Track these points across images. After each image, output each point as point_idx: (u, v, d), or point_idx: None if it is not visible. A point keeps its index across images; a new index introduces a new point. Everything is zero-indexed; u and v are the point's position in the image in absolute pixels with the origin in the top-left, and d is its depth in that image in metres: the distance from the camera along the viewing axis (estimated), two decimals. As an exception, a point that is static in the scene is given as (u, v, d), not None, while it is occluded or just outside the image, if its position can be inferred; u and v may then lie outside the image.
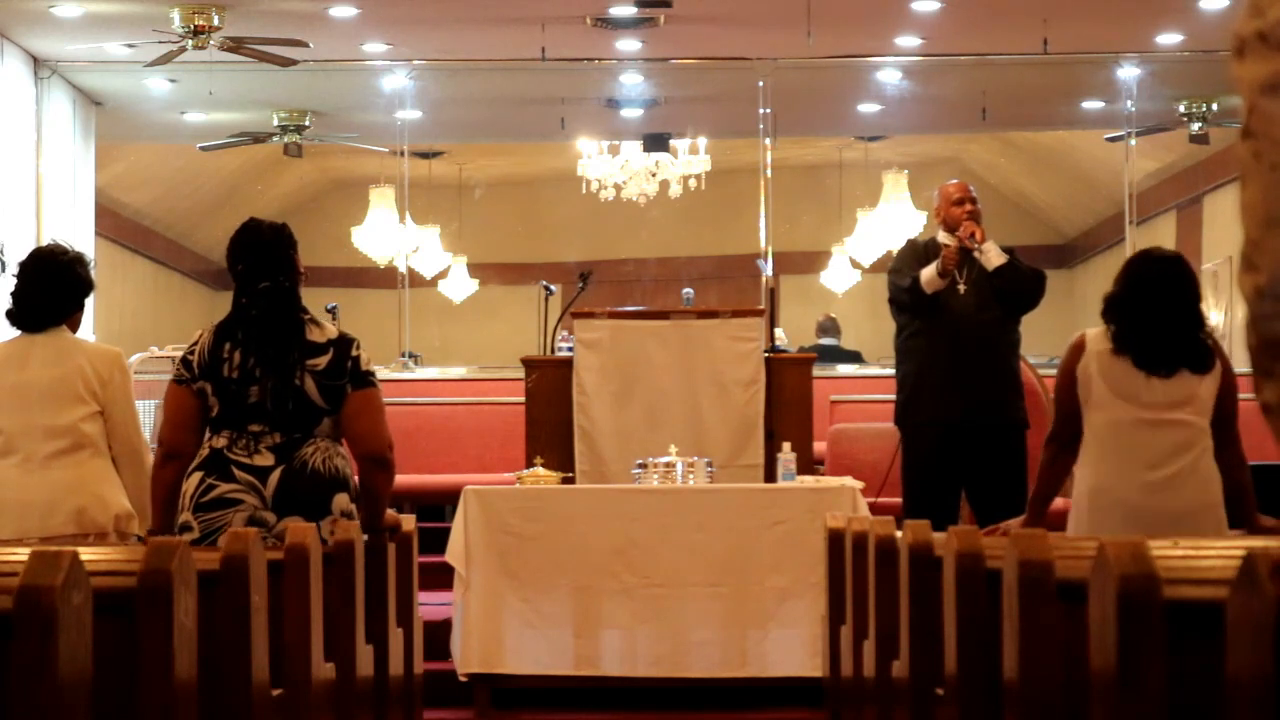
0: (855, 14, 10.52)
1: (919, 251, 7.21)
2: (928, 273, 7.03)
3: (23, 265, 5.16)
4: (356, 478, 4.65)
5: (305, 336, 4.55)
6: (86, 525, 4.92)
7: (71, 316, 5.13)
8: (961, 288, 7.05)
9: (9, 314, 5.12)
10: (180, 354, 4.66)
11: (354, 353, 4.58)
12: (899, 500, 7.16)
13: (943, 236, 7.17)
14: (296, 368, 4.50)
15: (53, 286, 5.07)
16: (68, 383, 4.97)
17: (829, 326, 13.06)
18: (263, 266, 4.58)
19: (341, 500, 4.50)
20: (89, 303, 5.34)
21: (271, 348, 4.51)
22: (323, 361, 4.53)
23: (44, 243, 5.46)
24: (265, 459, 4.46)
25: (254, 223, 4.68)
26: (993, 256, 7.04)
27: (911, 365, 7.15)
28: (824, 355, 11.92)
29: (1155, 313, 4.83)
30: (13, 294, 5.11)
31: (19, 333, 5.11)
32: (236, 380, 4.49)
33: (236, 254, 4.62)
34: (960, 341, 7.00)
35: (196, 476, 4.47)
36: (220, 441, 4.49)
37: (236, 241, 4.64)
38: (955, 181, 7.38)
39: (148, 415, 9.97)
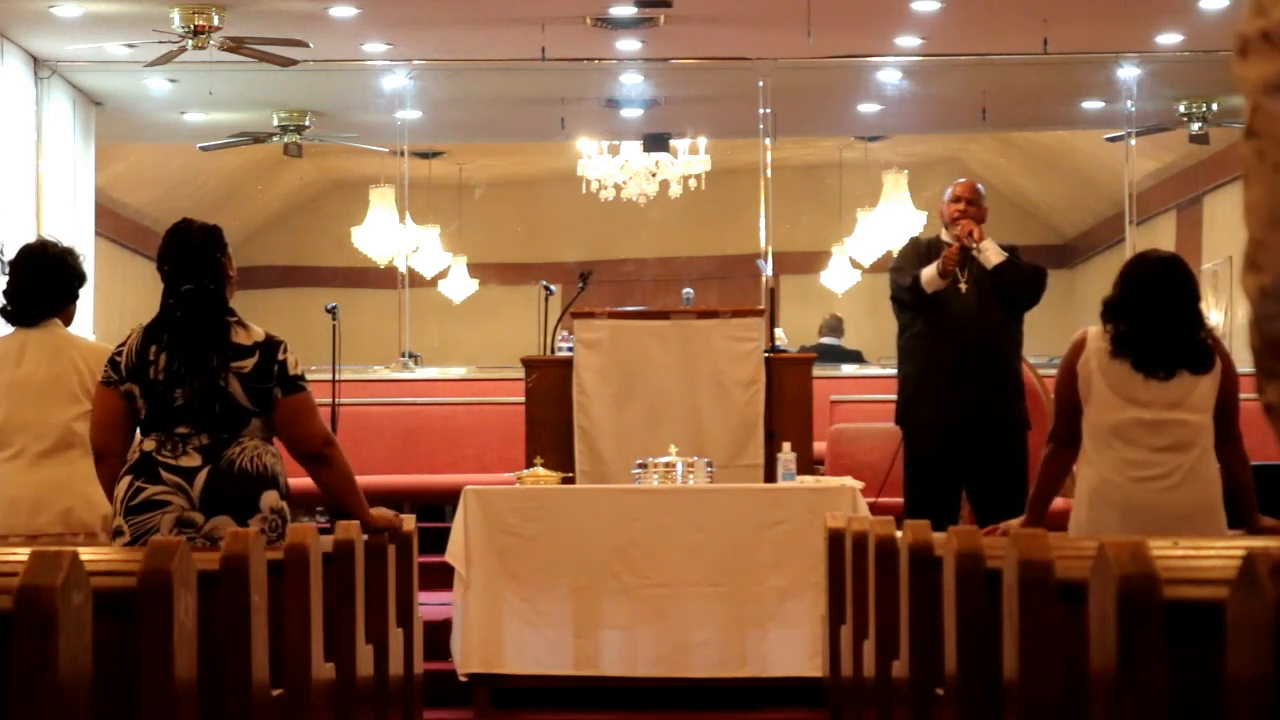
0: (855, 14, 10.52)
1: (921, 250, 7.21)
2: (928, 272, 7.02)
3: (13, 262, 5.17)
4: (307, 479, 4.64)
5: (230, 338, 4.52)
6: (74, 525, 4.91)
7: (65, 309, 5.13)
8: (963, 287, 7.04)
9: (3, 310, 5.12)
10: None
11: (280, 356, 4.54)
12: (899, 500, 7.16)
13: (945, 234, 7.17)
14: (221, 370, 4.48)
15: (44, 279, 5.07)
16: (62, 381, 4.96)
17: (834, 326, 13.05)
18: (188, 268, 4.56)
19: (270, 498, 4.48)
20: (88, 301, 5.35)
21: (195, 350, 4.49)
22: (249, 364, 4.51)
23: (29, 242, 5.45)
24: (192, 460, 4.44)
25: (184, 223, 4.67)
26: (991, 255, 7.04)
27: (912, 365, 7.16)
28: (824, 354, 11.92)
29: (1154, 315, 4.83)
30: (4, 291, 5.11)
31: (8, 330, 5.12)
32: (162, 383, 4.48)
33: (164, 254, 4.62)
34: (962, 342, 7.00)
35: (126, 480, 4.47)
36: (149, 444, 4.48)
37: (166, 242, 4.63)
38: (964, 180, 7.37)
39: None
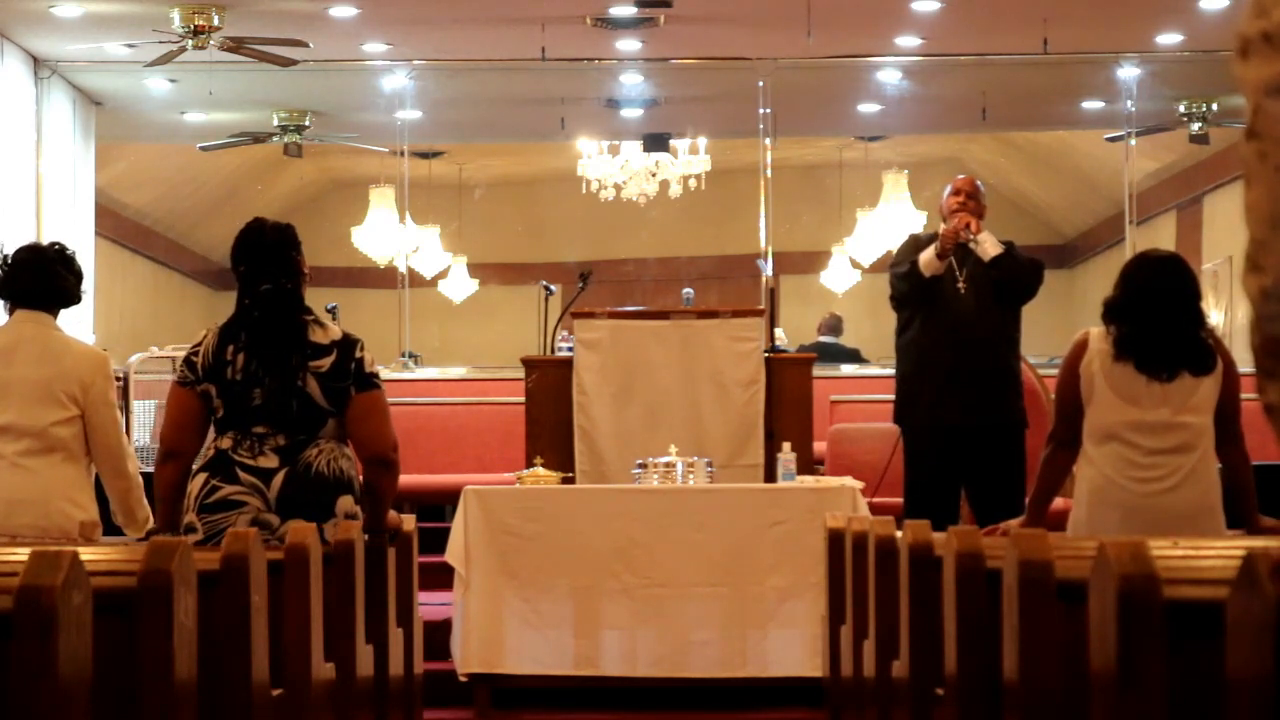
0: (855, 14, 10.52)
1: (921, 245, 7.19)
2: (926, 255, 7.01)
3: (13, 256, 5.16)
4: (361, 478, 4.65)
5: (308, 338, 4.54)
6: (50, 529, 4.88)
7: (64, 300, 5.11)
8: (961, 287, 7.03)
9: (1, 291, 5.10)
10: (182, 354, 4.67)
11: (358, 354, 4.57)
12: (899, 500, 7.16)
13: (944, 228, 7.18)
14: (299, 369, 4.49)
15: (40, 269, 5.05)
16: (49, 386, 4.95)
17: (833, 325, 13.06)
18: (265, 268, 4.57)
19: (345, 502, 4.50)
20: (88, 303, 5.34)
21: (274, 350, 4.50)
22: (326, 363, 4.52)
23: (43, 242, 5.44)
24: (269, 461, 4.45)
25: (257, 223, 4.67)
26: (988, 247, 7.03)
27: (910, 365, 7.15)
28: (823, 352, 11.93)
29: (1155, 317, 4.83)
30: (2, 280, 5.09)
31: (7, 322, 5.11)
32: (240, 382, 4.49)
33: (239, 255, 4.62)
34: (959, 341, 6.99)
35: (201, 478, 4.48)
36: (225, 443, 4.49)
37: (240, 242, 4.63)
38: (964, 176, 7.38)
39: (148, 415, 9.98)
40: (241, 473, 4.44)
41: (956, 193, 7.14)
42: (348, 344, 4.58)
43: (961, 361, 6.96)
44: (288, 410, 4.47)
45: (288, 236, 4.65)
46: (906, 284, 7.07)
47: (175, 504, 4.55)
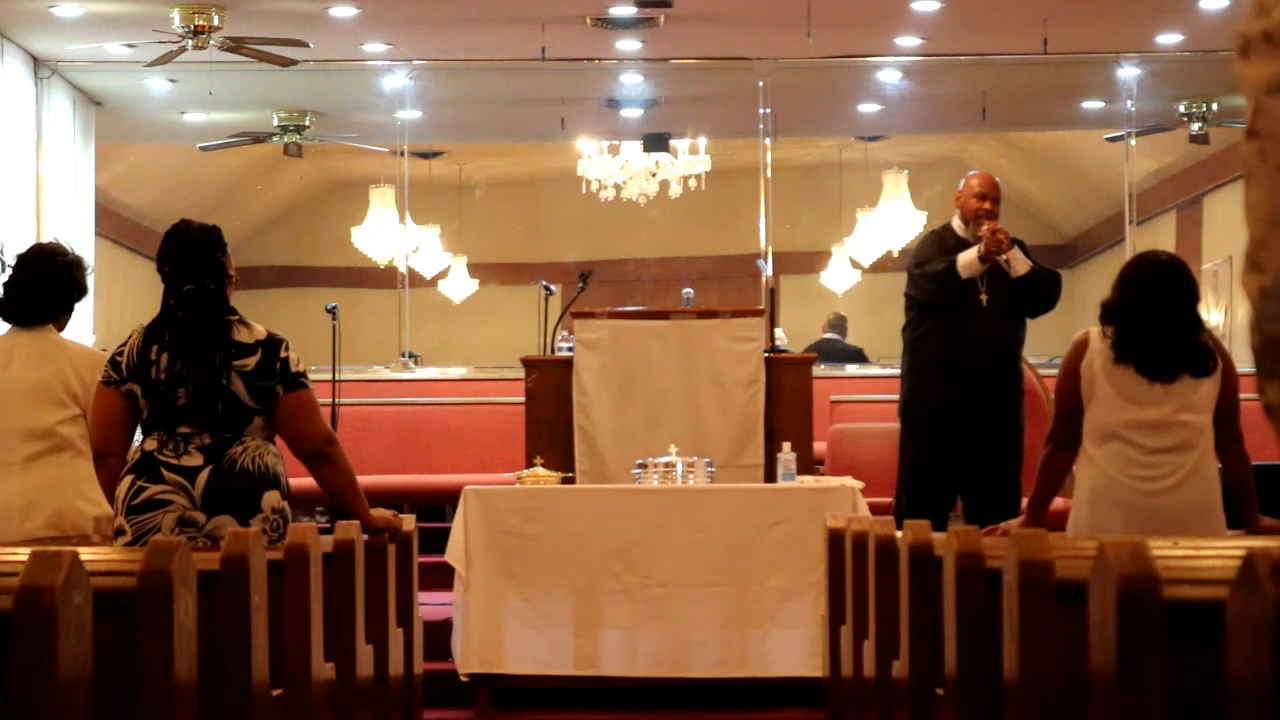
0: (855, 14, 10.52)
1: (947, 244, 7.11)
2: (968, 257, 6.95)
3: (21, 257, 5.16)
4: (307, 479, 4.64)
5: (232, 337, 4.54)
6: (65, 528, 4.89)
7: (60, 317, 5.12)
8: (984, 298, 6.99)
9: (0, 306, 5.11)
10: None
11: (283, 354, 4.56)
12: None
13: (957, 223, 7.15)
14: (224, 369, 4.49)
15: (47, 284, 5.06)
16: (48, 387, 4.95)
17: (837, 323, 13.06)
18: (189, 269, 4.57)
19: (272, 498, 4.49)
20: (88, 303, 5.33)
21: (198, 349, 4.50)
22: (251, 362, 4.52)
23: (43, 241, 5.43)
24: (194, 459, 4.45)
25: (183, 224, 4.68)
26: (1017, 265, 7.00)
27: (924, 367, 7.11)
28: (826, 349, 11.94)
29: (1154, 319, 4.82)
30: (5, 285, 5.10)
31: (6, 328, 5.10)
32: (164, 382, 4.49)
33: (164, 256, 4.63)
34: (977, 351, 6.98)
35: (128, 480, 4.48)
36: (151, 444, 4.49)
37: (164, 244, 4.64)
38: (977, 173, 7.32)
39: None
40: (166, 472, 4.44)
41: (982, 197, 7.08)
42: (272, 343, 4.57)
43: (977, 369, 6.98)
44: (213, 409, 4.47)
45: (213, 238, 4.65)
46: (937, 284, 7.00)
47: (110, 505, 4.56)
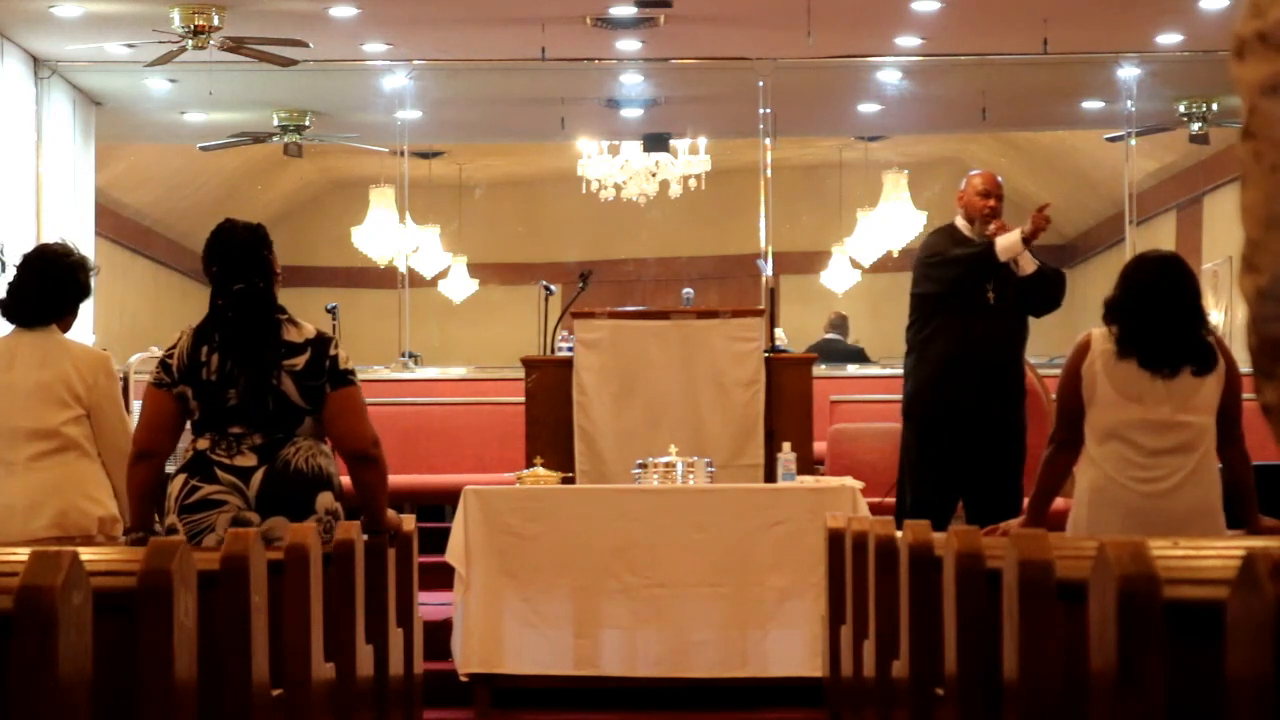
0: (855, 14, 10.52)
1: (959, 238, 7.13)
2: (1010, 238, 6.94)
3: (26, 257, 5.16)
4: (344, 477, 4.64)
5: (282, 336, 4.54)
6: (70, 528, 4.90)
7: (64, 319, 5.12)
8: (991, 297, 7.01)
9: (3, 306, 5.11)
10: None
11: (332, 351, 4.56)
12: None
13: (960, 221, 7.17)
14: (274, 368, 4.49)
15: (51, 285, 5.07)
16: (52, 387, 4.95)
17: (838, 323, 13.06)
18: (237, 268, 4.57)
19: (325, 499, 4.49)
20: (88, 304, 5.34)
21: (248, 349, 4.50)
22: (300, 361, 4.52)
23: (47, 241, 5.43)
24: (248, 459, 4.46)
25: (228, 224, 4.67)
26: (1025, 263, 7.02)
27: (931, 366, 7.10)
28: (827, 349, 11.94)
29: (1156, 314, 4.83)
30: (10, 285, 5.10)
31: (9, 329, 5.11)
32: (215, 383, 4.49)
33: (211, 256, 4.62)
34: (985, 350, 6.98)
35: (181, 479, 4.48)
36: (203, 444, 4.50)
37: (211, 244, 4.64)
38: (980, 172, 7.34)
39: (147, 415, 9.96)
40: (220, 472, 4.44)
41: (987, 195, 7.11)
42: (322, 342, 4.58)
43: (982, 368, 6.99)
44: (264, 409, 4.47)
45: (259, 236, 4.65)
46: (966, 268, 6.97)
47: (147, 504, 4.56)
